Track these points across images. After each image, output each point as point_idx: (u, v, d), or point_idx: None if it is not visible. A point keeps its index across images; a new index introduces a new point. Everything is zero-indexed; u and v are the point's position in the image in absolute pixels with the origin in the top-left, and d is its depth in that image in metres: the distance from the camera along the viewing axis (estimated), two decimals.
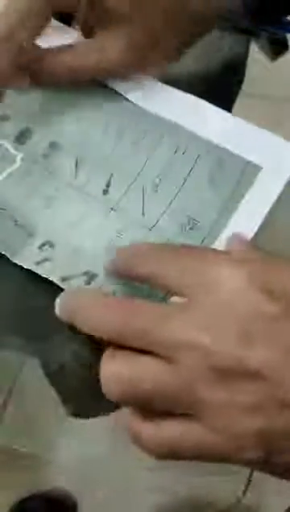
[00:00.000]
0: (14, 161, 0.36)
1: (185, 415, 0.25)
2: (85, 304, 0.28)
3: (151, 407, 0.25)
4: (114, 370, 0.26)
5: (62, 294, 0.30)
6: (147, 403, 0.25)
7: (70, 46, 0.34)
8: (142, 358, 0.25)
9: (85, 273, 0.33)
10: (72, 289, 0.31)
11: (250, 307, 0.24)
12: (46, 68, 0.34)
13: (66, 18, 0.41)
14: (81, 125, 0.37)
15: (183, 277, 0.27)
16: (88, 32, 0.35)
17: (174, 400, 0.25)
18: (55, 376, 0.34)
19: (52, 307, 0.33)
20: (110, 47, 0.34)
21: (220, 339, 0.24)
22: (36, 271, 0.32)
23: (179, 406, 0.25)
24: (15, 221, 0.34)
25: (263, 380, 0.23)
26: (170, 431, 0.25)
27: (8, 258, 0.33)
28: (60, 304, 0.29)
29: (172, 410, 0.25)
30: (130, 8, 0.32)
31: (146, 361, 0.25)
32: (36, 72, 0.35)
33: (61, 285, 0.32)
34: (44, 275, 0.32)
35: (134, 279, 0.30)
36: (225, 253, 0.30)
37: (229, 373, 0.24)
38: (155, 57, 0.35)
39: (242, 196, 0.35)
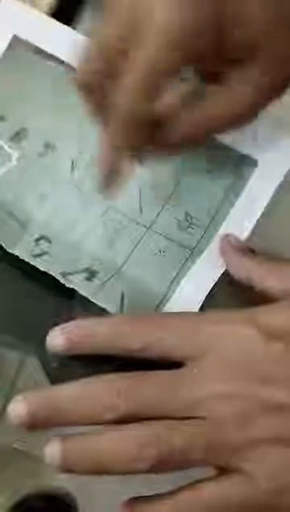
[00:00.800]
0: (9, 160, 0.36)
1: (220, 474, 0.26)
2: (83, 400, 0.26)
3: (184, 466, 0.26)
4: (141, 436, 0.25)
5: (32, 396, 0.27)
6: (182, 461, 0.26)
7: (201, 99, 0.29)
8: (167, 421, 0.26)
9: (86, 269, 0.33)
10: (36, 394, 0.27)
11: (258, 350, 0.26)
12: (182, 127, 0.29)
13: (66, 19, 0.41)
14: (78, 126, 0.37)
15: (179, 342, 0.27)
16: (212, 79, 0.29)
17: (209, 453, 0.25)
18: (56, 375, 0.34)
19: (52, 306, 0.33)
20: (240, 93, 0.28)
21: (241, 384, 0.26)
22: (34, 264, 0.33)
23: (215, 460, 0.26)
24: (10, 214, 0.34)
25: (287, 411, 0.25)
26: (211, 491, 0.26)
27: (7, 258, 0.33)
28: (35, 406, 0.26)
29: (208, 464, 0.26)
30: (258, 46, 0.27)
31: (170, 424, 0.26)
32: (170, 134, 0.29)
33: (62, 280, 0.32)
34: (43, 269, 0.32)
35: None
36: (203, 313, 0.31)
37: (255, 413, 0.25)
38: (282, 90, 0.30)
39: (240, 190, 0.35)
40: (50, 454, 0.26)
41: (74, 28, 0.42)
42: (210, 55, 0.27)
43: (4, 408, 0.37)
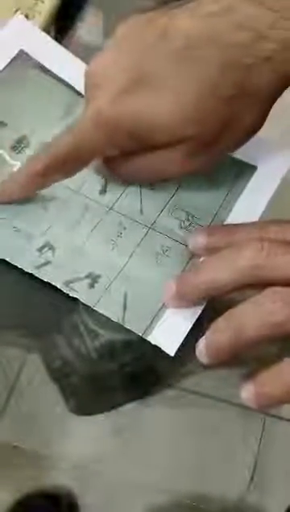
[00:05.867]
0: (11, 170, 0.35)
1: None
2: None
3: None
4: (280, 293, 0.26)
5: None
6: None
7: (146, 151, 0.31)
8: None
9: (88, 275, 0.33)
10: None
11: None
12: (123, 172, 0.33)
13: (68, 17, 0.41)
14: None
15: None
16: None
17: None
18: (58, 372, 0.34)
19: (56, 304, 0.33)
20: (167, 161, 0.31)
21: None
22: (38, 275, 0.32)
23: None
24: (14, 227, 0.34)
25: None
26: None
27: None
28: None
29: None
30: (189, 129, 0.29)
31: None
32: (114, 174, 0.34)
33: (65, 290, 0.32)
34: (46, 279, 0.32)
35: None
36: None
37: None
38: (224, 143, 0.31)
39: (239, 192, 0.35)
40: None
41: (76, 26, 0.42)
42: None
43: (6, 405, 0.36)
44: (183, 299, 0.30)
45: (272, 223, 0.30)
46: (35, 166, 0.31)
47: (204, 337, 0.27)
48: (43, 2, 0.43)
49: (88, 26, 0.44)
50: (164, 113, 0.27)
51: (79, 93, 0.38)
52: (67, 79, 0.38)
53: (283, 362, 0.26)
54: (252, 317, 0.26)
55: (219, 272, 0.28)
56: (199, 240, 0.32)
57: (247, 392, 0.26)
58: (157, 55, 0.27)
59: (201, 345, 0.27)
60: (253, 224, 0.32)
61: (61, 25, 0.40)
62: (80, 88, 0.35)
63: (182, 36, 0.27)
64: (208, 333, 0.27)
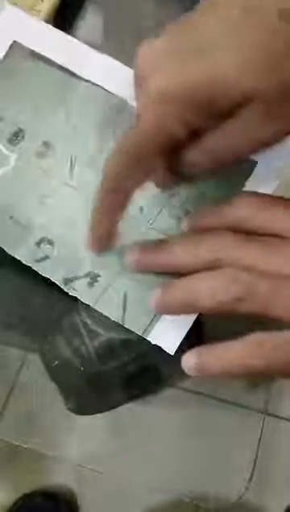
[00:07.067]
0: (7, 162, 0.36)
1: None
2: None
3: None
4: (230, 274, 0.27)
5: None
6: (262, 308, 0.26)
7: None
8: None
9: (87, 274, 0.33)
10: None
11: None
12: (189, 161, 0.29)
13: (68, 16, 0.41)
14: (75, 128, 0.37)
15: None
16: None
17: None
18: (57, 372, 0.34)
19: (56, 304, 0.33)
20: (249, 126, 0.28)
21: None
22: (37, 269, 0.33)
23: None
24: (11, 217, 0.34)
25: None
26: None
27: (10, 256, 0.33)
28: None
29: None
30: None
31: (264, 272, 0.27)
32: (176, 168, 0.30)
33: (64, 288, 0.32)
34: (45, 275, 0.32)
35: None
36: None
37: None
38: None
39: (239, 190, 0.35)
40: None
41: (76, 25, 0.42)
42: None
43: (6, 404, 0.37)
44: (147, 267, 0.31)
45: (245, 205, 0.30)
46: (109, 172, 0.28)
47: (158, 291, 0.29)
48: (42, 0, 0.43)
49: (88, 26, 0.44)
50: (233, 70, 0.26)
51: (73, 74, 0.37)
52: (61, 61, 0.37)
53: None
54: (205, 288, 0.27)
55: (179, 252, 0.29)
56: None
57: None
58: (208, 18, 0.26)
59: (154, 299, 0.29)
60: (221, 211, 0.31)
61: (61, 24, 0.40)
62: (75, 68, 0.36)
63: None
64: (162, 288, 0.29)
